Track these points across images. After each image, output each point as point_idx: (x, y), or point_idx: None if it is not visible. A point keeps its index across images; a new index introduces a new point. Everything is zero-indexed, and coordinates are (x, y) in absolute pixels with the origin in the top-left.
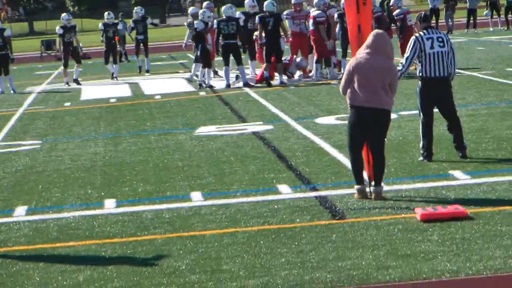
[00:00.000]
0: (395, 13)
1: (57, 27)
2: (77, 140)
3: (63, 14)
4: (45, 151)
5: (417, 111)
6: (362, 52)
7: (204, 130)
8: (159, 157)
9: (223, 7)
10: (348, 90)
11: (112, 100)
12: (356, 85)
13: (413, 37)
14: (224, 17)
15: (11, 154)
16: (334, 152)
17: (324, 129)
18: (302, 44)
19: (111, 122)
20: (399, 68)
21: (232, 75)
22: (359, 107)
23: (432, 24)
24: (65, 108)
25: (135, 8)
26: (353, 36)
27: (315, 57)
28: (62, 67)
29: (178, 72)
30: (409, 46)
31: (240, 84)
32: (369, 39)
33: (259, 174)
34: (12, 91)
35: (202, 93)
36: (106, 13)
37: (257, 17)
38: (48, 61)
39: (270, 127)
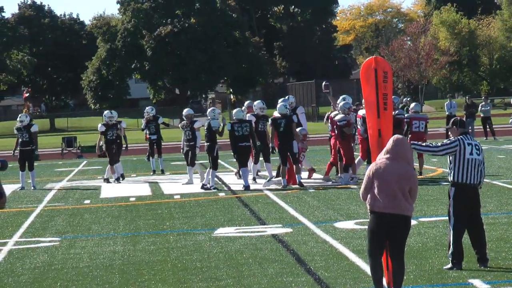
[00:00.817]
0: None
1: (99, 125)
2: (96, 238)
3: (106, 112)
4: (64, 248)
5: (437, 218)
6: (382, 158)
7: (223, 231)
8: (177, 257)
9: (235, 111)
10: (368, 196)
11: (131, 199)
12: (376, 191)
13: (457, 137)
14: (235, 119)
15: (30, 250)
16: (353, 257)
17: (343, 233)
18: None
19: (130, 221)
20: (434, 147)
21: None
22: (378, 213)
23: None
24: (84, 205)
25: (146, 108)
26: (374, 140)
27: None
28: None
29: (197, 173)
30: (451, 141)
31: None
32: (389, 145)
33: (277, 277)
34: (32, 187)
35: (221, 194)
36: (21, 115)
37: (270, 119)
38: (68, 158)
39: (289, 230)
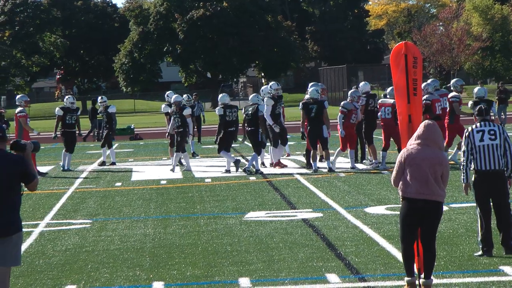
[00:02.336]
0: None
1: (163, 106)
2: (127, 220)
3: (168, 92)
4: (95, 231)
5: (468, 204)
6: (412, 143)
7: (253, 215)
8: (208, 240)
9: (220, 95)
10: (400, 182)
11: (162, 182)
12: (407, 177)
13: (465, 131)
14: (221, 104)
15: (62, 232)
16: (383, 243)
17: (374, 218)
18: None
19: (161, 204)
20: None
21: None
22: (410, 199)
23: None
24: (115, 188)
25: (168, 92)
26: (404, 126)
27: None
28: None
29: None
30: (462, 140)
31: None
32: (419, 130)
33: (308, 262)
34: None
35: (252, 178)
36: (99, 98)
37: (300, 103)
38: (100, 141)
39: (319, 214)
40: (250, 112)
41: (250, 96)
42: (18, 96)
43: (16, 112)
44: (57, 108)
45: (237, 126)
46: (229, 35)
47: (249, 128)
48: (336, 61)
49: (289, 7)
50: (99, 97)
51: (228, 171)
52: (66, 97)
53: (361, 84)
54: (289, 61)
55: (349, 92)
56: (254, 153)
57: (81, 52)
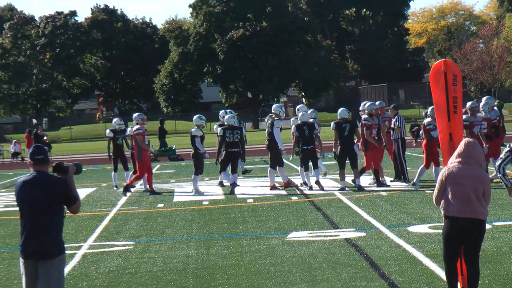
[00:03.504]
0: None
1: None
2: (170, 242)
3: (220, 112)
4: (137, 252)
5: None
6: (453, 161)
7: (296, 235)
8: (251, 261)
9: (226, 117)
10: (442, 200)
11: (204, 203)
12: (449, 195)
13: (508, 147)
14: (227, 125)
15: (104, 254)
16: (427, 262)
17: (417, 237)
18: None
19: (204, 225)
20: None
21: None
22: (453, 217)
23: None
24: (158, 209)
25: (221, 111)
26: (445, 144)
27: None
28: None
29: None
30: (504, 152)
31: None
32: (460, 148)
33: (351, 282)
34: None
35: (294, 198)
36: (116, 119)
37: (332, 123)
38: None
39: (362, 234)
40: (307, 131)
41: (300, 115)
42: (135, 115)
43: (133, 130)
44: (107, 130)
45: (241, 147)
46: (268, 55)
47: (309, 147)
48: (376, 80)
49: (329, 26)
50: (115, 119)
51: (221, 182)
52: (114, 119)
53: (339, 110)
54: (329, 80)
55: (366, 106)
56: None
57: (122, 73)
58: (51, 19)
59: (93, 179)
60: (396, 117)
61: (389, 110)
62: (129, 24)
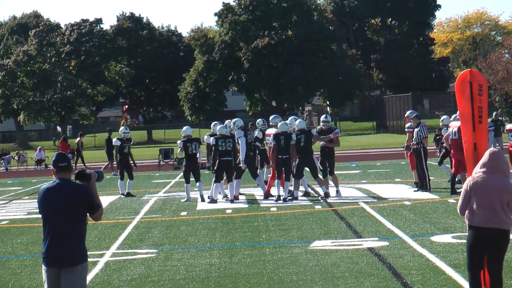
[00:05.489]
0: None
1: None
2: (193, 250)
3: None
4: (160, 260)
5: None
6: (478, 171)
7: (319, 244)
8: (273, 270)
9: (218, 126)
10: (466, 210)
11: (228, 211)
12: (474, 205)
13: None
14: (219, 135)
15: (127, 262)
16: (450, 271)
17: (440, 247)
18: None
19: (227, 233)
20: None
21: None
22: (477, 227)
23: None
24: (181, 217)
25: (227, 121)
26: (469, 154)
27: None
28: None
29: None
30: None
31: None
32: (484, 158)
33: None
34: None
35: (317, 207)
36: (122, 128)
37: (292, 135)
38: (165, 170)
39: (385, 243)
40: (283, 141)
41: (279, 124)
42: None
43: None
44: (114, 139)
45: (234, 155)
46: (294, 64)
47: (284, 156)
48: (401, 89)
49: (354, 36)
50: (121, 128)
51: (214, 201)
52: (120, 128)
53: (297, 121)
54: (354, 89)
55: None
56: (294, 178)
57: (146, 81)
58: (77, 27)
59: (116, 187)
60: (419, 127)
61: (412, 120)
62: (154, 32)
